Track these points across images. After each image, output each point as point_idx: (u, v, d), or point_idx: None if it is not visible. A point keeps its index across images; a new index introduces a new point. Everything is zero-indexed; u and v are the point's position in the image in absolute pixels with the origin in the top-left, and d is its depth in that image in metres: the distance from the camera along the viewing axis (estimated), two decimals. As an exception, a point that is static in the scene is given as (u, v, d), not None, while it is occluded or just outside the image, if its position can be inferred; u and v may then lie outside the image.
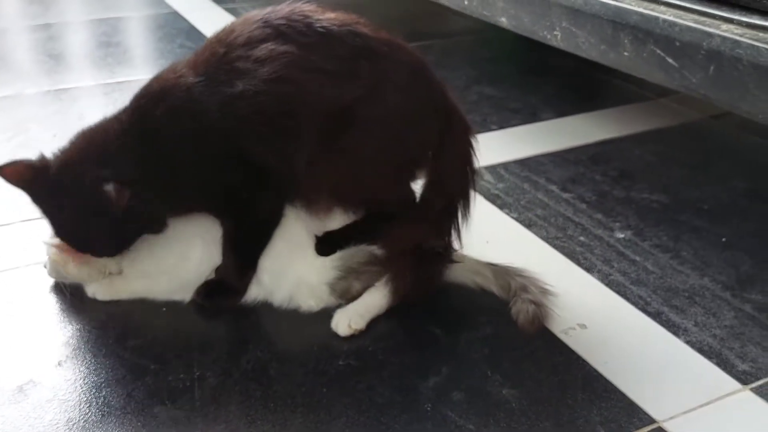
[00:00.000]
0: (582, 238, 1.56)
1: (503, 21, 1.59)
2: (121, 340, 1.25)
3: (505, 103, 2.29)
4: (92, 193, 1.17)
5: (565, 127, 2.13)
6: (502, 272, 1.37)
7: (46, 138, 1.99)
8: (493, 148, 1.97)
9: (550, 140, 2.03)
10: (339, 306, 1.29)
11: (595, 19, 1.28)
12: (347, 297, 1.31)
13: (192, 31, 2.94)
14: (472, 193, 1.37)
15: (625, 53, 1.25)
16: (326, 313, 1.29)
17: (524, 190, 1.76)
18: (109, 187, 1.15)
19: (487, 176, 1.83)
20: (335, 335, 1.26)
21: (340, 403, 1.12)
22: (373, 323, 1.28)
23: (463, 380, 1.17)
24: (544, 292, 1.33)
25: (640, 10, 1.19)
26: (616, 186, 1.78)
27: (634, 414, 1.10)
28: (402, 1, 3.58)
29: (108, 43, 2.83)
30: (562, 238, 1.56)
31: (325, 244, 1.30)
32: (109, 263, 1.33)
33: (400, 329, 1.29)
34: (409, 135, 1.29)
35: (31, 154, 1.88)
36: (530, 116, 2.20)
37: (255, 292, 1.33)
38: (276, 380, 1.17)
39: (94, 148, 1.24)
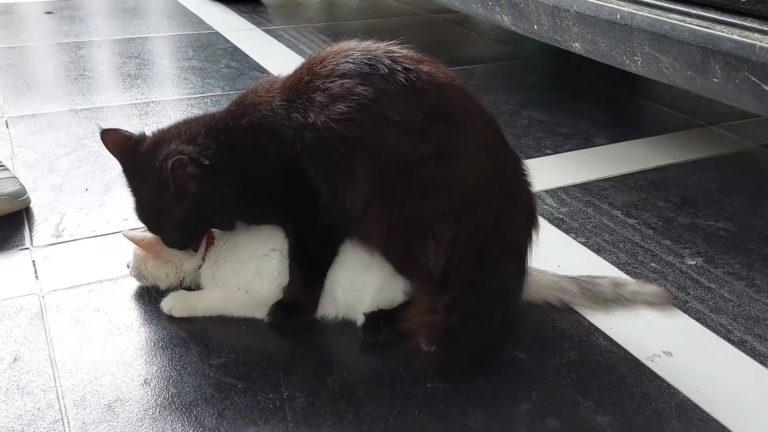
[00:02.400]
0: (654, 264, 1.55)
1: (576, 46, 1.59)
2: (204, 359, 1.24)
3: (557, 128, 2.29)
4: (166, 168, 1.20)
5: (620, 153, 2.13)
6: (586, 284, 1.37)
7: (104, 152, 1.99)
8: (550, 172, 1.97)
9: (607, 165, 2.03)
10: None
11: (683, 46, 1.28)
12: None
13: (236, 52, 2.96)
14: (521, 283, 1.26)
15: (715, 80, 1.24)
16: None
17: (588, 215, 1.75)
18: (183, 158, 1.19)
19: (549, 200, 1.82)
20: (418, 357, 1.24)
21: (434, 427, 1.11)
22: (456, 346, 1.27)
23: (555, 406, 1.15)
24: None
25: (734, 37, 1.19)
26: (680, 212, 1.77)
27: (735, 444, 1.08)
28: (440, 28, 3.61)
29: (155, 61, 2.85)
30: (634, 264, 1.55)
31: (372, 325, 1.29)
32: (185, 263, 1.35)
33: (484, 353, 1.27)
34: (465, 209, 1.18)
35: (92, 168, 1.91)
36: (584, 141, 2.20)
37: (332, 309, 1.33)
38: (366, 402, 1.15)
39: (185, 132, 1.27)
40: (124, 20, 3.49)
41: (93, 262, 1.50)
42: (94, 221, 1.65)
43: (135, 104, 2.38)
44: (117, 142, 1.30)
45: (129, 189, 1.30)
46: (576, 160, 2.08)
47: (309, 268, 1.30)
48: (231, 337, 1.30)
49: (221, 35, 3.21)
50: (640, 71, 1.40)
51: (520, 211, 1.25)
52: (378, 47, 1.23)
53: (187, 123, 1.30)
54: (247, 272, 1.31)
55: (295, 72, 1.28)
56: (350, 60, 1.20)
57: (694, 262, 1.56)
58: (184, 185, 1.22)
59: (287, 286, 1.31)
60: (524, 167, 1.27)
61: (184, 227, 1.28)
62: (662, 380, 1.21)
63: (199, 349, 1.26)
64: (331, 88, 1.19)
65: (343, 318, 1.33)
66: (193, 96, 2.47)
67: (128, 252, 1.40)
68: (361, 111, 1.16)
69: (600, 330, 1.33)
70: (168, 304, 1.33)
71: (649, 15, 1.34)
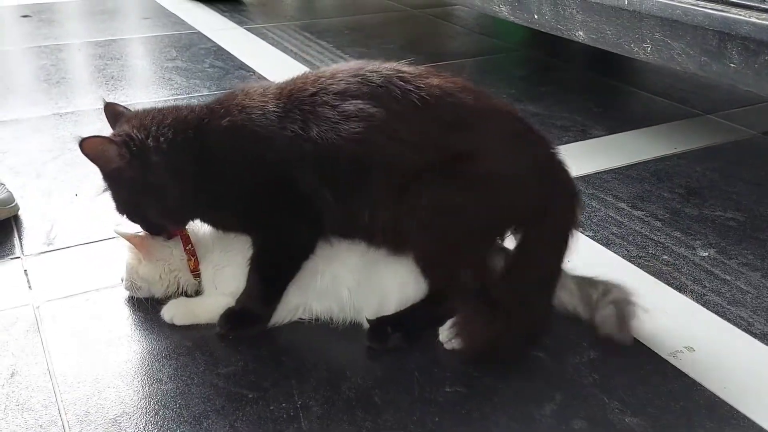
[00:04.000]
0: (666, 257, 1.52)
1: (580, 35, 1.55)
2: (211, 368, 1.18)
3: (552, 121, 2.25)
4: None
5: (618, 144, 2.10)
6: (585, 283, 1.31)
7: (92, 158, 1.93)
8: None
9: (608, 157, 2.00)
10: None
11: (697, 31, 1.24)
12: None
13: (220, 51, 2.89)
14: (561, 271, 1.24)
15: (732, 65, 1.21)
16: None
17: (594, 208, 1.72)
18: (96, 138, 1.18)
19: (552, 194, 1.78)
20: (434, 359, 1.20)
21: (456, 432, 1.06)
22: (472, 347, 1.22)
23: (581, 408, 1.11)
24: (628, 294, 1.26)
25: (753, 20, 1.15)
26: (687, 203, 1.74)
27: (769, 441, 1.05)
28: (424, 23, 3.57)
29: (137, 62, 2.77)
30: (645, 257, 1.52)
31: (378, 332, 1.23)
32: (172, 258, 1.30)
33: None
34: (494, 210, 1.17)
35: (80, 172, 1.84)
36: (581, 133, 2.16)
37: (336, 310, 1.27)
38: (383, 409, 1.10)
39: (148, 117, 1.24)
40: (102, 22, 3.40)
41: (88, 270, 1.43)
42: (86, 227, 1.58)
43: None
44: (110, 114, 1.30)
45: None
46: (575, 152, 2.03)
47: (271, 280, 1.25)
48: (237, 344, 1.24)
49: (203, 35, 3.14)
50: (650, 59, 1.37)
51: (562, 193, 1.23)
52: (385, 67, 1.21)
53: (160, 110, 1.27)
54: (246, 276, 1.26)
55: (296, 81, 1.24)
56: (361, 81, 1.18)
57: (707, 254, 1.53)
58: (103, 164, 1.21)
59: (241, 295, 1.26)
60: (554, 147, 1.25)
61: (131, 210, 1.26)
62: (687, 377, 1.18)
63: (205, 358, 1.20)
64: (341, 106, 1.16)
65: (351, 321, 1.28)
66: (178, 96, 2.41)
67: (122, 263, 1.33)
68: (372, 132, 1.14)
69: (618, 326, 1.29)
70: (169, 312, 1.27)
71: (660, 0, 1.30)
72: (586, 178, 1.87)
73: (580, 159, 1.99)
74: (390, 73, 1.18)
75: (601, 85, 2.67)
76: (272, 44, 3.01)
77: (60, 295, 1.35)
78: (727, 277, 1.45)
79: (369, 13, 3.74)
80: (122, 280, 1.32)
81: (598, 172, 1.90)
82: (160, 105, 2.30)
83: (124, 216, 1.28)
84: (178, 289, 1.31)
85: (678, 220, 1.67)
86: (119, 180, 1.22)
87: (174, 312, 1.27)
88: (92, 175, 1.81)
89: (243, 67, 2.70)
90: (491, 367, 1.18)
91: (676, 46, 1.29)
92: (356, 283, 1.26)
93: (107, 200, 1.67)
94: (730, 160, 1.99)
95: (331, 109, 1.16)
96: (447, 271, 1.20)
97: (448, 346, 1.22)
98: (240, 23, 3.34)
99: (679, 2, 1.28)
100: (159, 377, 1.16)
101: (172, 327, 1.27)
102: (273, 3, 3.89)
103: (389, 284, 1.24)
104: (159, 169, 1.19)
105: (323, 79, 1.20)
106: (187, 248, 1.29)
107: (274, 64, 2.71)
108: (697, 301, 1.37)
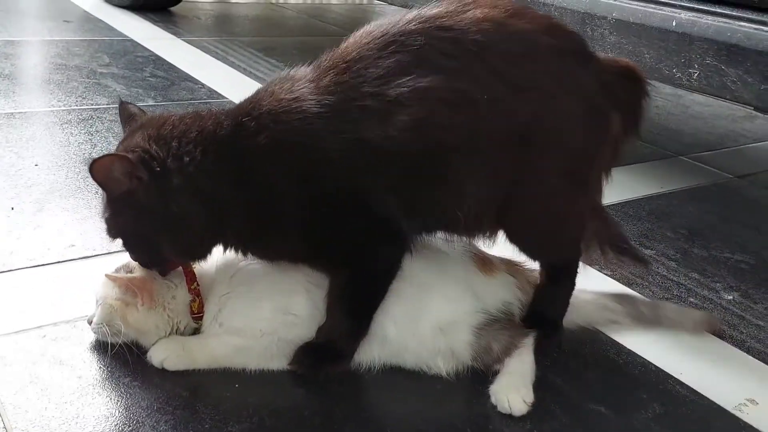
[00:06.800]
0: (692, 300, 1.41)
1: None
2: (219, 425, 0.95)
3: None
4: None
5: (604, 181, 2.00)
6: (627, 301, 1.29)
7: (28, 165, 1.64)
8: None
9: (598, 193, 1.89)
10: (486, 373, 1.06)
11: (761, 57, 1.15)
12: (484, 359, 1.09)
13: (159, 61, 2.63)
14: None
15: (802, 94, 1.12)
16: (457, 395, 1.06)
17: (602, 245, 1.60)
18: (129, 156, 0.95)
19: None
20: (485, 413, 1.02)
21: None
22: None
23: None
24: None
25: (834, 45, 1.07)
26: (693, 244, 1.66)
27: None
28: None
29: (65, 66, 2.46)
30: (672, 299, 1.40)
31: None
32: (174, 299, 1.05)
33: (557, 407, 1.05)
34: (586, 140, 1.05)
35: (14, 183, 1.55)
36: (564, 168, 2.06)
37: (376, 353, 1.07)
38: (440, 477, 0.91)
39: (171, 128, 0.99)
40: (18, 22, 3.06)
41: (38, 299, 1.16)
42: (29, 247, 1.31)
43: (52, 111, 2.02)
44: (124, 115, 1.08)
45: None
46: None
47: (358, 313, 1.04)
48: (246, 394, 1.01)
49: (138, 43, 2.86)
50: (693, 86, 1.27)
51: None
52: (411, 19, 0.99)
53: (180, 118, 1.01)
54: (266, 310, 1.04)
55: (326, 69, 1.00)
56: (395, 49, 0.97)
57: (731, 297, 1.44)
58: (113, 188, 0.96)
59: (323, 327, 1.05)
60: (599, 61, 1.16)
61: (138, 241, 1.01)
62: (761, 434, 1.05)
63: (209, 412, 0.97)
64: (388, 92, 0.95)
65: (388, 364, 1.08)
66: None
67: (90, 300, 1.07)
68: (435, 109, 0.95)
69: (670, 375, 1.16)
70: (159, 354, 1.02)
71: (717, 22, 1.21)
72: (583, 214, 1.75)
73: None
74: (425, 26, 0.97)
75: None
76: (217, 58, 2.77)
77: (7, 329, 1.08)
78: (761, 323, 1.35)
79: (315, 36, 3.56)
80: (90, 323, 1.06)
81: (594, 208, 1.79)
82: (99, 117, 2.02)
83: (121, 244, 1.03)
84: (170, 333, 1.06)
85: (691, 261, 1.57)
86: (129, 206, 0.96)
87: (166, 354, 1.02)
88: (28, 186, 1.54)
89: (189, 78, 2.45)
90: (549, 424, 1.01)
91: (731, 72, 1.19)
92: (405, 315, 1.06)
93: (50, 215, 1.42)
94: (719, 202, 1.94)
95: (379, 98, 0.94)
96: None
97: (503, 408, 1.03)
98: (176, 34, 3.08)
99: (739, 26, 1.19)
100: (155, 437, 0.91)
101: (162, 373, 1.02)
102: (209, 16, 3.65)
103: (438, 312, 1.07)
104: (184, 196, 0.96)
105: (350, 61, 0.98)
106: (192, 287, 1.05)
107: (224, 79, 2.48)
108: (739, 348, 1.27)
